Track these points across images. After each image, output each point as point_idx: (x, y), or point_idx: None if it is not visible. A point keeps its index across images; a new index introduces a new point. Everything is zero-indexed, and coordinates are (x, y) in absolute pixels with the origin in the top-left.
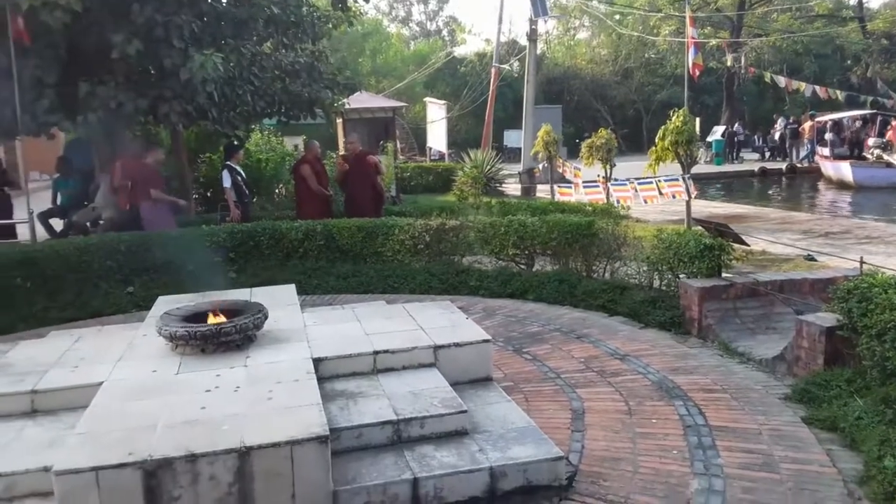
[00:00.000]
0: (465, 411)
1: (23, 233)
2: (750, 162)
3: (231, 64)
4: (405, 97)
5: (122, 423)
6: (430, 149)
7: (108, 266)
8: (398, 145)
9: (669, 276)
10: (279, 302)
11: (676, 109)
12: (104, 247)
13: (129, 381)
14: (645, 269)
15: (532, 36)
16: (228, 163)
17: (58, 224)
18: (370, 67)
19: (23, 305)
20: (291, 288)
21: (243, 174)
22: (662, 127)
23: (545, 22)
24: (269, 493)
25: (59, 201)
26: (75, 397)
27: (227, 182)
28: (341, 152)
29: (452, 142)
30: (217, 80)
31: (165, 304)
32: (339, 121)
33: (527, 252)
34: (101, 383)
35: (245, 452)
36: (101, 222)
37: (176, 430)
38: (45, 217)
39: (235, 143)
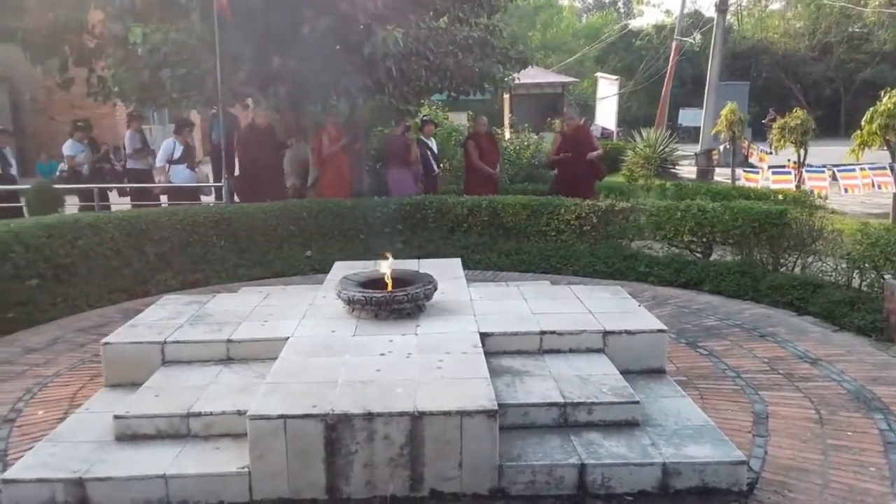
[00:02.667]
0: (637, 402)
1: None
2: None
3: (410, 39)
4: (574, 72)
5: (306, 376)
6: (598, 126)
7: (290, 230)
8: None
9: (873, 275)
10: (446, 275)
11: (889, 89)
12: (288, 212)
13: (312, 339)
14: (843, 266)
15: (721, 6)
16: (420, 136)
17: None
18: (540, 41)
19: (217, 261)
20: (457, 262)
21: (434, 148)
22: (871, 108)
23: None
24: (438, 459)
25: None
26: (264, 349)
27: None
28: (508, 128)
29: (621, 119)
30: (396, 56)
31: (341, 268)
32: (507, 96)
33: (704, 240)
34: (287, 338)
35: (418, 417)
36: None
37: (354, 388)
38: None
39: (425, 116)
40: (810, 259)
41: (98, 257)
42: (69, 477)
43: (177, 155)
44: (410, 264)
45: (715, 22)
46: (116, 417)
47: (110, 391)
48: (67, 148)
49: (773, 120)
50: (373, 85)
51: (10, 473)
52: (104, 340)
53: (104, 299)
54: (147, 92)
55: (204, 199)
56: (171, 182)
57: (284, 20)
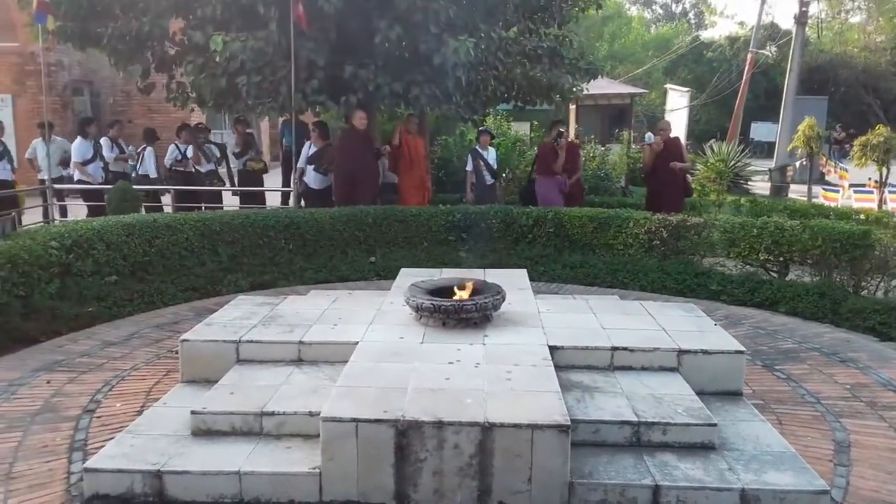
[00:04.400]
0: (714, 424)
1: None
2: None
3: (480, 49)
4: (641, 84)
5: (376, 381)
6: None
7: (356, 236)
8: (632, 134)
9: None
10: (512, 285)
11: None
12: (354, 218)
13: (381, 344)
14: None
15: (801, 18)
16: (475, 147)
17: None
18: (607, 52)
19: (284, 264)
20: (523, 273)
21: (491, 159)
22: None
23: (818, 3)
24: (507, 472)
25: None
26: (334, 352)
27: (468, 166)
28: (573, 140)
29: (689, 132)
30: (466, 66)
31: (407, 276)
32: (573, 107)
33: (781, 259)
34: (356, 343)
35: (488, 428)
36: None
37: (424, 395)
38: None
39: (482, 127)
40: (894, 283)
41: (173, 256)
42: (148, 469)
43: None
44: (476, 274)
45: (794, 34)
46: (193, 413)
47: (186, 387)
48: (192, 151)
49: (838, 138)
50: (441, 94)
51: (92, 462)
52: (182, 337)
53: (178, 297)
54: (223, 98)
55: (274, 202)
56: (308, 185)
57: (358, 30)
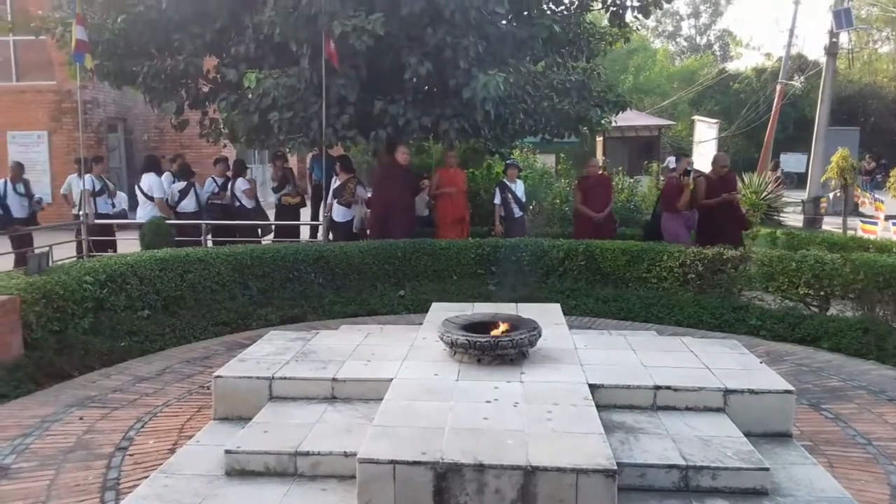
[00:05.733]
0: (766, 468)
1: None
2: None
3: (509, 83)
4: (667, 115)
5: (413, 421)
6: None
7: (385, 269)
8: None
9: None
10: (546, 320)
11: None
12: (383, 252)
13: (416, 382)
14: None
15: (831, 50)
16: (503, 180)
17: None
18: (632, 84)
19: (314, 297)
20: (557, 307)
21: (519, 192)
22: None
23: (848, 34)
24: None
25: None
26: (368, 389)
27: (497, 199)
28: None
29: None
30: (495, 99)
31: (439, 310)
32: (600, 139)
33: (822, 293)
34: (390, 379)
35: (531, 472)
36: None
37: (462, 436)
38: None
39: (509, 160)
40: None
41: (205, 291)
42: None
43: None
44: (508, 308)
45: (824, 65)
46: (227, 452)
47: (219, 424)
48: (245, 184)
49: (868, 168)
50: (470, 128)
51: (125, 503)
52: (216, 374)
53: (209, 332)
54: (256, 133)
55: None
56: (333, 218)
57: (388, 66)
